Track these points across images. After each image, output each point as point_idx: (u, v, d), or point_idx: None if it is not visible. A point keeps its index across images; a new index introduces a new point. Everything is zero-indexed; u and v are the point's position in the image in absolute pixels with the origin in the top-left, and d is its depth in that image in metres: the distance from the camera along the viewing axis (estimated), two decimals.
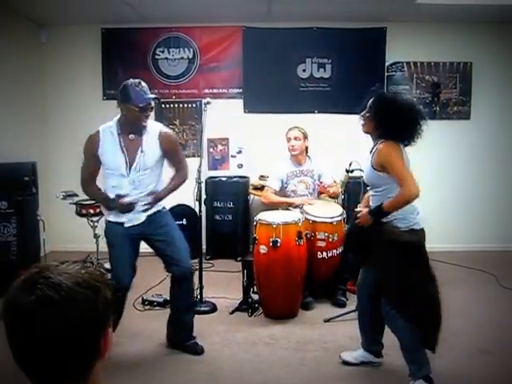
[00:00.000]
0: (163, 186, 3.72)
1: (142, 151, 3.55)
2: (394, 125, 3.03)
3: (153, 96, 3.52)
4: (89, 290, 1.12)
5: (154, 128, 3.64)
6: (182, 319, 3.87)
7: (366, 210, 3.23)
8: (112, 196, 3.59)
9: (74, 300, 1.09)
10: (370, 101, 3.18)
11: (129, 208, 3.57)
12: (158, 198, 3.68)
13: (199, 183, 4.55)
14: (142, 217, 3.65)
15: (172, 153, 3.72)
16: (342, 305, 4.66)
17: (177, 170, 3.81)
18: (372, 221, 3.15)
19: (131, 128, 3.55)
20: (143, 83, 3.49)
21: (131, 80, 3.49)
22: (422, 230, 3.15)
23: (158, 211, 3.73)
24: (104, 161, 3.58)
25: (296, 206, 4.90)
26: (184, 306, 3.85)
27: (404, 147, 3.14)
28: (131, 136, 3.55)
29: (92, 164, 3.60)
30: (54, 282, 1.09)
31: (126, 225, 3.64)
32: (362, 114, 3.21)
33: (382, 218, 3.11)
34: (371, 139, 3.24)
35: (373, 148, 3.17)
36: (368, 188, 3.30)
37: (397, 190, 3.02)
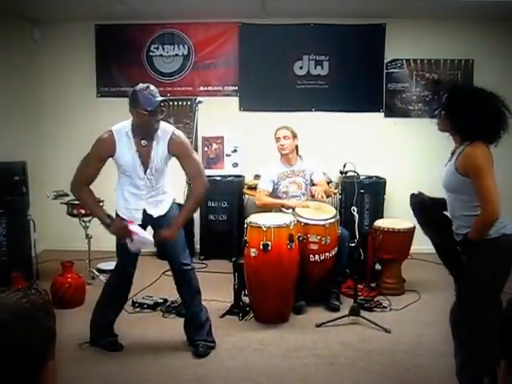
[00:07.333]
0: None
1: (153, 156, 3.57)
2: (474, 123, 2.72)
3: (160, 98, 3.48)
4: (26, 321, 1.08)
5: (165, 130, 3.61)
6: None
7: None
8: (123, 211, 3.68)
9: (6, 332, 1.05)
10: (444, 96, 2.87)
11: (123, 234, 3.58)
12: (178, 226, 3.68)
13: (189, 184, 4.45)
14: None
15: (182, 157, 3.64)
16: (336, 309, 4.56)
17: (192, 180, 3.75)
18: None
19: (143, 132, 3.55)
20: (152, 87, 3.49)
21: (140, 84, 3.50)
22: None
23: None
24: (121, 163, 3.59)
25: (289, 208, 4.80)
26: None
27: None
28: (143, 142, 3.56)
29: (95, 167, 3.56)
30: None
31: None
32: (436, 112, 2.90)
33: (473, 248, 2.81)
34: (453, 138, 2.92)
35: (455, 149, 2.86)
36: (448, 193, 2.98)
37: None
